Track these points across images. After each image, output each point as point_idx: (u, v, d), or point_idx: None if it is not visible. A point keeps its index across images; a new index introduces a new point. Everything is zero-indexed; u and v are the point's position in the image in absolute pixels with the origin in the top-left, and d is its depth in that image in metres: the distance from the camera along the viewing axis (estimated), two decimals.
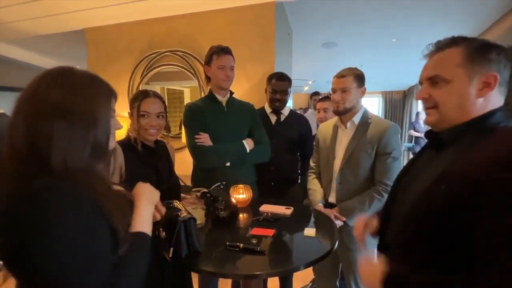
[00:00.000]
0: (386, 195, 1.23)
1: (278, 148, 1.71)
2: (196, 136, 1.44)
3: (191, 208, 1.13)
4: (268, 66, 2.34)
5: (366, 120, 1.39)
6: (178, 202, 0.92)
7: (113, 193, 0.63)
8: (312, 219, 1.27)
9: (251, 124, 1.60)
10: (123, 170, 1.11)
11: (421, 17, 2.87)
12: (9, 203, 0.51)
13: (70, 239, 0.50)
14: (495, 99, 0.65)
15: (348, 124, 1.42)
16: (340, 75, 1.38)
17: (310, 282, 2.12)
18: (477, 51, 0.64)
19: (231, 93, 1.59)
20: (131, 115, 1.20)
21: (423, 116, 5.08)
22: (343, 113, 1.40)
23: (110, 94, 0.63)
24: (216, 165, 1.48)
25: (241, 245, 0.88)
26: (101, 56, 2.91)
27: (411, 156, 5.82)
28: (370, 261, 0.69)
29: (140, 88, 2.69)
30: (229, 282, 1.85)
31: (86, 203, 0.54)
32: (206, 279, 1.60)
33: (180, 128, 2.66)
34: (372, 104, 8.02)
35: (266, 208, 1.24)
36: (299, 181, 1.92)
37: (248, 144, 1.52)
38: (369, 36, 3.46)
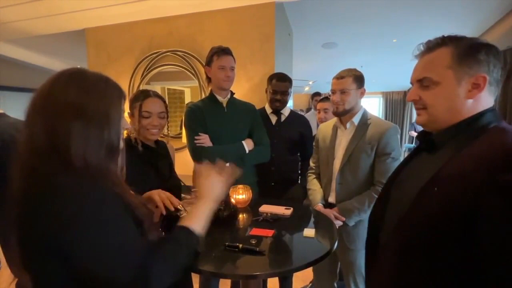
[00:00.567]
0: None
1: (278, 148, 1.71)
2: (196, 137, 1.44)
3: (191, 208, 1.13)
4: (268, 66, 2.34)
5: (365, 120, 1.40)
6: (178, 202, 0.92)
7: (129, 191, 0.65)
8: (312, 220, 1.27)
9: (252, 124, 1.60)
10: (124, 170, 1.12)
11: (422, 18, 2.87)
12: (35, 199, 0.53)
13: (102, 227, 0.53)
14: (485, 100, 0.65)
15: (348, 125, 1.43)
16: (339, 77, 1.38)
17: (310, 282, 2.11)
18: (466, 52, 0.63)
19: (232, 93, 1.59)
20: (131, 115, 1.21)
21: None
22: (343, 114, 1.41)
23: (121, 95, 0.65)
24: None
25: (241, 245, 0.88)
26: (102, 56, 2.91)
27: None
28: None
29: (141, 88, 2.69)
30: (229, 282, 1.85)
31: (109, 195, 0.57)
32: (207, 279, 1.60)
33: (181, 128, 2.66)
34: (372, 105, 8.01)
35: (265, 208, 1.24)
36: (299, 181, 1.92)
37: (247, 145, 1.52)
38: (369, 37, 3.46)
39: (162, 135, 1.34)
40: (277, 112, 1.82)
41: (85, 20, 2.76)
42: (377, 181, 1.33)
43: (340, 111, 1.39)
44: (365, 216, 1.32)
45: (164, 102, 1.23)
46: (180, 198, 1.25)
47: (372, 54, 4.27)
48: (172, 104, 2.93)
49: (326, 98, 2.22)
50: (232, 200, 1.24)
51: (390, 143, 1.32)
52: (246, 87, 2.42)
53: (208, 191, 0.76)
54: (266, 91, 1.87)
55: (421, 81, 0.68)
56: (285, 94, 1.78)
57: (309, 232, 1.03)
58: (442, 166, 0.62)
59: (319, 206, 1.41)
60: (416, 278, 0.62)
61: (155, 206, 0.93)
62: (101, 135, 0.59)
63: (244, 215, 1.25)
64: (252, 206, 1.29)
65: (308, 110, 5.80)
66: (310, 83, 6.00)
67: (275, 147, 1.66)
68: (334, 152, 1.45)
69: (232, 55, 1.53)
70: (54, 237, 0.51)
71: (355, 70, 1.40)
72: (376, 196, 1.30)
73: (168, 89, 2.91)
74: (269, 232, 1.04)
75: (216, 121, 1.52)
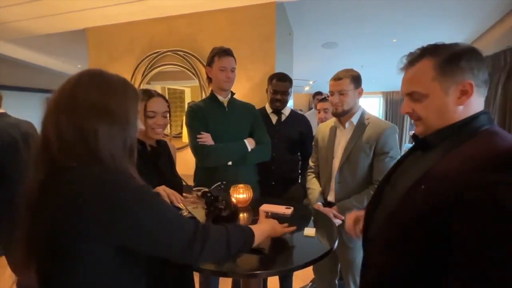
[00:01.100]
0: None
1: (278, 147, 1.71)
2: (198, 136, 1.45)
3: (192, 207, 1.14)
4: (268, 66, 2.34)
5: (364, 120, 1.40)
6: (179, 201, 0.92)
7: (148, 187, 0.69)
8: (312, 219, 1.27)
9: (252, 124, 1.61)
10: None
11: (422, 18, 2.88)
12: (70, 191, 0.55)
13: (149, 205, 0.59)
14: (476, 103, 0.66)
15: (347, 125, 1.43)
16: (337, 78, 1.39)
17: (310, 281, 2.12)
18: (447, 62, 0.65)
19: (232, 93, 1.60)
20: None
21: None
22: (342, 115, 1.42)
23: (137, 97, 0.68)
24: (218, 164, 1.48)
25: None
26: (102, 56, 2.92)
27: None
28: None
29: (142, 88, 2.70)
30: (229, 281, 1.86)
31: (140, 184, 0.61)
32: (207, 278, 1.61)
33: (181, 128, 2.66)
34: (372, 105, 8.00)
35: (266, 207, 1.25)
36: (299, 181, 1.92)
37: (249, 144, 1.52)
38: (369, 36, 3.47)
39: (164, 135, 1.35)
40: (277, 111, 1.83)
41: (85, 19, 2.76)
42: (376, 180, 1.34)
43: (339, 112, 1.40)
44: None
45: (167, 101, 1.24)
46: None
47: (372, 54, 4.27)
48: (173, 104, 2.94)
49: (326, 98, 2.23)
50: (233, 200, 1.25)
51: (388, 142, 1.33)
52: (247, 87, 2.42)
53: (269, 223, 0.90)
54: (267, 91, 1.87)
55: (411, 95, 0.71)
56: (285, 94, 1.79)
57: (310, 231, 1.03)
58: (431, 165, 0.64)
59: (318, 205, 1.42)
60: (401, 272, 0.64)
61: None
62: (123, 134, 0.62)
63: (245, 214, 1.25)
64: (253, 206, 1.30)
65: (309, 109, 5.81)
66: (311, 83, 6.01)
67: (275, 146, 1.66)
68: (333, 152, 1.46)
69: (233, 56, 1.53)
70: (98, 222, 0.54)
71: (352, 70, 1.41)
72: None
73: (169, 88, 2.92)
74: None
75: (217, 121, 1.52)
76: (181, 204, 0.91)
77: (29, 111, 2.61)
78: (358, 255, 1.39)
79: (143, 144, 1.20)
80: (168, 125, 1.29)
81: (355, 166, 1.36)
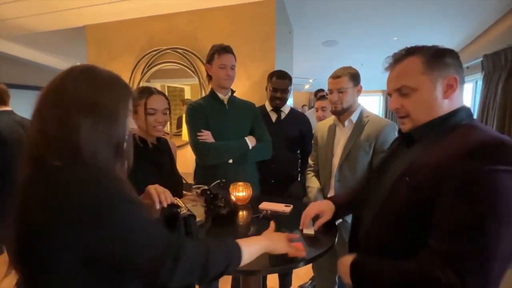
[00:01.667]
0: None
1: (278, 146, 1.71)
2: (199, 133, 1.44)
3: (191, 205, 1.14)
4: (268, 64, 2.34)
5: (363, 118, 1.40)
6: (178, 199, 0.92)
7: (133, 192, 0.64)
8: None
9: (253, 122, 1.61)
10: (131, 164, 1.12)
11: (423, 16, 2.87)
12: (46, 191, 0.52)
13: (122, 212, 0.54)
14: (457, 98, 0.71)
15: (346, 123, 1.43)
16: (336, 76, 1.39)
17: (310, 279, 2.13)
18: (434, 57, 0.69)
19: (233, 91, 1.59)
20: (135, 112, 1.20)
21: None
22: (341, 113, 1.42)
23: (129, 94, 0.65)
24: (219, 162, 1.48)
25: None
26: (102, 53, 2.91)
27: None
28: (345, 259, 0.80)
29: (141, 86, 2.69)
30: (229, 279, 1.86)
31: (122, 189, 0.57)
32: None
33: (178, 127, 2.66)
34: (372, 103, 8.00)
35: (265, 205, 1.25)
36: (299, 179, 1.92)
37: (250, 141, 1.52)
38: (370, 35, 3.46)
39: (164, 133, 1.35)
40: (277, 109, 1.83)
41: (85, 17, 2.75)
42: None
43: (339, 110, 1.40)
44: None
45: (167, 98, 1.24)
46: (181, 195, 1.26)
47: (372, 53, 4.26)
48: (172, 102, 2.93)
49: (324, 97, 2.22)
50: (232, 198, 1.25)
51: (388, 140, 1.33)
52: (247, 85, 2.42)
53: (271, 237, 0.80)
54: (266, 89, 1.87)
55: (400, 90, 0.74)
56: (285, 91, 1.79)
57: (309, 230, 1.03)
58: (415, 158, 0.69)
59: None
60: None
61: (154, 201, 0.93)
62: (110, 132, 0.59)
63: (244, 212, 1.25)
64: (252, 204, 1.30)
65: (311, 108, 5.80)
66: (311, 81, 6.00)
67: (275, 144, 1.66)
68: (333, 150, 1.46)
69: (233, 53, 1.53)
70: (70, 226, 0.51)
71: (350, 68, 1.41)
72: None
73: (168, 86, 2.91)
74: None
75: (218, 118, 1.52)
76: (180, 202, 0.91)
77: (28, 109, 2.61)
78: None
79: (144, 141, 1.20)
80: (168, 123, 1.29)
81: (355, 164, 1.36)
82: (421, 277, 0.60)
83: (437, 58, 0.69)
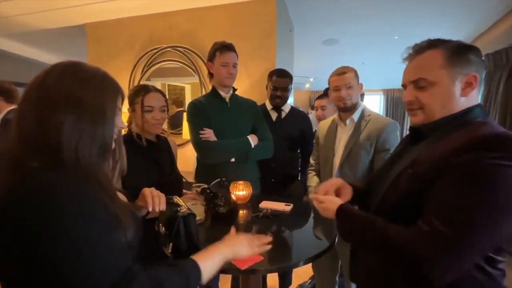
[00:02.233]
0: None
1: (278, 145, 1.71)
2: (201, 132, 1.44)
3: (191, 204, 1.14)
4: (269, 62, 2.33)
5: (365, 117, 1.40)
6: (178, 198, 0.92)
7: (117, 197, 0.61)
8: (312, 216, 1.27)
9: (254, 120, 1.60)
10: (125, 164, 1.12)
11: (424, 15, 2.86)
12: (19, 195, 0.48)
13: (84, 229, 0.48)
14: (474, 97, 0.69)
15: (347, 122, 1.43)
16: (341, 72, 1.38)
17: (309, 278, 2.13)
18: (456, 53, 0.67)
19: (234, 89, 1.58)
20: (132, 110, 1.20)
21: None
22: (350, 109, 1.41)
23: (117, 91, 0.62)
24: (221, 160, 1.47)
25: None
26: (102, 51, 2.90)
27: None
28: (332, 199, 0.84)
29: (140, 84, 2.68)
30: (229, 278, 1.86)
31: (97, 199, 0.52)
32: None
33: (176, 127, 2.66)
34: (373, 102, 7.99)
35: (265, 204, 1.25)
36: (299, 178, 1.92)
37: (252, 140, 1.51)
38: (371, 34, 3.45)
39: (162, 131, 1.34)
40: (277, 108, 1.82)
41: (85, 14, 2.74)
42: None
43: (349, 105, 1.39)
44: None
45: (164, 96, 1.23)
46: (181, 194, 1.25)
47: (373, 51, 4.25)
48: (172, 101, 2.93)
49: (324, 95, 2.20)
50: (233, 196, 1.25)
51: (389, 139, 1.32)
52: (247, 84, 2.41)
53: (232, 243, 0.74)
54: (267, 88, 1.86)
55: (416, 82, 0.71)
56: (285, 90, 1.78)
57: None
58: (420, 153, 0.69)
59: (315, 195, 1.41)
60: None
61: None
62: (95, 130, 0.55)
63: (244, 211, 1.25)
64: (252, 202, 1.30)
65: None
66: (311, 80, 5.99)
67: (275, 143, 1.66)
68: (334, 149, 1.45)
69: (235, 51, 1.52)
70: (34, 235, 0.46)
71: (351, 66, 1.42)
72: None
73: (169, 85, 2.90)
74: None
75: (219, 116, 1.51)
76: (180, 201, 0.90)
77: None
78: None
79: (145, 139, 1.20)
80: (166, 121, 1.28)
81: (356, 163, 1.36)
82: (396, 243, 0.62)
83: (460, 54, 0.67)
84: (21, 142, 0.53)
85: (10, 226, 0.47)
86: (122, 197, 0.68)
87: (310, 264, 1.79)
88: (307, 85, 6.53)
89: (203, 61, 2.49)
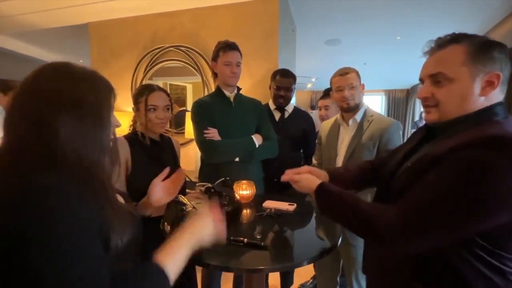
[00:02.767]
0: None
1: (281, 145, 1.71)
2: (205, 131, 1.44)
3: (195, 203, 1.14)
4: (271, 62, 2.33)
5: (367, 117, 1.40)
6: (183, 197, 0.93)
7: (116, 199, 0.60)
8: (314, 215, 1.27)
9: (259, 120, 1.60)
10: (129, 164, 1.12)
11: (426, 15, 2.85)
12: (12, 195, 0.46)
13: (71, 238, 0.45)
14: (496, 97, 0.65)
15: (350, 122, 1.43)
16: (344, 73, 1.39)
17: (311, 278, 2.13)
18: (480, 49, 0.63)
19: (239, 89, 1.58)
20: (136, 109, 1.21)
21: None
22: (354, 109, 1.41)
23: (110, 90, 0.61)
24: (225, 160, 1.46)
25: (245, 240, 0.89)
26: (105, 51, 2.91)
27: None
28: (309, 176, 0.93)
29: (144, 83, 2.69)
30: (231, 277, 1.87)
31: (89, 206, 0.50)
32: (209, 273, 1.62)
33: (177, 127, 2.66)
34: (375, 102, 7.99)
35: (269, 204, 1.25)
36: None
37: (257, 140, 1.51)
38: (373, 34, 3.44)
39: (165, 131, 1.34)
40: (280, 108, 1.82)
41: (88, 14, 2.75)
42: None
43: (352, 105, 1.40)
44: None
45: (168, 95, 1.24)
46: (184, 193, 1.26)
47: (375, 52, 4.25)
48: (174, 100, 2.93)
49: (327, 95, 2.21)
50: (236, 196, 1.25)
51: (392, 139, 1.33)
52: (249, 83, 2.41)
53: (196, 230, 0.66)
54: (270, 87, 1.87)
55: (434, 76, 0.68)
56: (288, 90, 1.78)
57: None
58: (428, 151, 0.67)
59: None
60: None
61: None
62: (93, 129, 0.54)
63: (248, 210, 1.25)
64: (256, 202, 1.30)
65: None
66: (313, 80, 5.99)
67: (278, 143, 1.66)
68: (337, 149, 1.45)
69: (239, 50, 1.51)
70: (24, 241, 0.43)
71: (352, 67, 1.43)
72: None
73: (170, 85, 2.91)
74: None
75: (224, 116, 1.51)
76: (185, 199, 0.91)
77: None
78: (361, 253, 1.38)
79: (149, 139, 1.20)
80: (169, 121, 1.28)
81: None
82: (364, 213, 0.67)
83: (484, 51, 0.63)
84: (17, 146, 0.51)
85: (1, 228, 0.44)
86: (120, 199, 0.67)
87: (311, 264, 1.80)
88: (309, 85, 6.53)
89: (205, 60, 2.50)
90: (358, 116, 1.41)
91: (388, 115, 7.65)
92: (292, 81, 1.80)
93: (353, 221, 0.71)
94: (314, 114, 3.15)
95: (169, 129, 2.60)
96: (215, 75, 1.56)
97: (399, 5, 2.64)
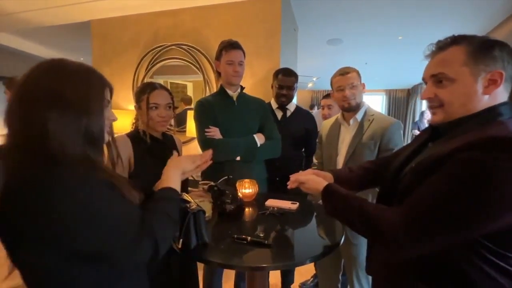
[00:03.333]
0: None
1: (283, 144, 1.71)
2: (206, 130, 1.44)
3: (199, 201, 1.15)
4: (273, 62, 2.34)
5: (368, 116, 1.40)
6: (187, 195, 0.93)
7: (116, 173, 0.66)
8: (315, 214, 1.28)
9: (262, 119, 1.59)
10: (132, 161, 1.13)
11: (428, 15, 2.85)
12: (20, 193, 0.51)
13: (87, 213, 0.53)
14: (501, 96, 0.65)
15: (351, 121, 1.43)
16: (345, 72, 1.39)
17: (311, 277, 2.14)
18: (480, 49, 0.64)
19: (242, 88, 1.59)
20: (138, 108, 1.21)
21: (428, 115, 5.00)
22: (354, 109, 1.41)
23: (103, 84, 0.63)
24: (227, 158, 1.46)
25: (249, 238, 0.89)
26: (106, 49, 2.91)
27: None
28: (315, 178, 0.95)
29: (145, 81, 2.69)
30: (232, 275, 1.87)
31: (93, 180, 0.56)
32: (210, 271, 1.62)
33: (182, 124, 2.66)
34: (375, 102, 7.99)
35: (271, 202, 1.25)
36: None
37: (259, 139, 1.51)
38: (375, 34, 3.44)
39: (167, 129, 1.35)
40: (282, 107, 1.83)
41: (90, 11, 2.75)
42: None
43: (353, 105, 1.40)
44: None
45: (170, 93, 1.24)
46: (187, 191, 1.27)
47: (376, 51, 4.25)
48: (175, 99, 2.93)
49: (329, 95, 2.22)
50: (239, 194, 1.25)
51: (393, 138, 1.33)
52: (251, 82, 2.41)
53: (176, 164, 0.84)
54: (272, 86, 1.87)
55: (436, 76, 0.69)
56: (290, 89, 1.79)
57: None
58: (433, 151, 0.68)
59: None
60: None
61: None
62: (79, 122, 0.57)
63: (250, 209, 1.26)
64: (258, 201, 1.31)
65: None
66: (314, 79, 5.99)
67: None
68: (338, 149, 1.46)
69: (241, 49, 1.51)
70: (46, 228, 0.51)
71: (352, 67, 1.43)
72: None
73: (171, 83, 2.91)
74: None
75: (226, 115, 1.51)
76: (189, 197, 0.91)
77: None
78: (362, 252, 1.39)
79: (150, 137, 1.21)
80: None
81: (360, 163, 1.36)
82: (370, 215, 0.68)
83: (484, 50, 0.63)
84: (13, 140, 0.55)
85: (17, 223, 0.52)
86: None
87: (312, 263, 1.80)
88: (310, 85, 6.52)
89: (207, 59, 2.50)
90: (359, 116, 1.42)
91: (388, 115, 7.64)
92: (294, 80, 1.81)
93: (359, 223, 0.72)
94: (314, 114, 3.14)
95: (171, 127, 2.60)
96: (218, 74, 1.56)
97: (400, 5, 2.64)
